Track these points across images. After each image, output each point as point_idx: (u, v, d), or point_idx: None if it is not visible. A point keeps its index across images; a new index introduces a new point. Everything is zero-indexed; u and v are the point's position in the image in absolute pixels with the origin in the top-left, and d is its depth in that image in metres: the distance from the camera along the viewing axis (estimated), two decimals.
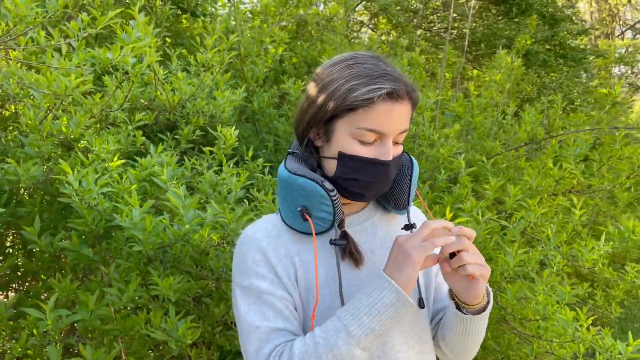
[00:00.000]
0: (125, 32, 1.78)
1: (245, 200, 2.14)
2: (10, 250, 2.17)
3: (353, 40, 5.79)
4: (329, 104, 1.08)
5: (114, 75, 2.07)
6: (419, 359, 1.19)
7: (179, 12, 4.07)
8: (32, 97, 1.60)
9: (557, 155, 3.27)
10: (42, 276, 1.88)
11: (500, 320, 2.32)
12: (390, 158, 1.08)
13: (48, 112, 1.80)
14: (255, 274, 1.12)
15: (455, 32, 6.91)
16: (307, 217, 1.10)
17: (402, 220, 1.28)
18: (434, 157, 2.86)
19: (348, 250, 1.15)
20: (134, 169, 1.98)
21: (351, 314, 1.03)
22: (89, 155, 1.83)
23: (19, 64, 1.58)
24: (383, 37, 6.82)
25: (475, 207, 2.33)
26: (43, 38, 1.59)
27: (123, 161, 1.92)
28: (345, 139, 1.08)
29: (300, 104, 1.17)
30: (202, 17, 3.96)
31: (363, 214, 1.24)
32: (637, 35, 19.75)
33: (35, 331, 1.68)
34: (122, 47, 1.67)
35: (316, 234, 1.11)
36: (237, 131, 2.17)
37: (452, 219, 2.04)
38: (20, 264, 2.05)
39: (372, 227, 1.23)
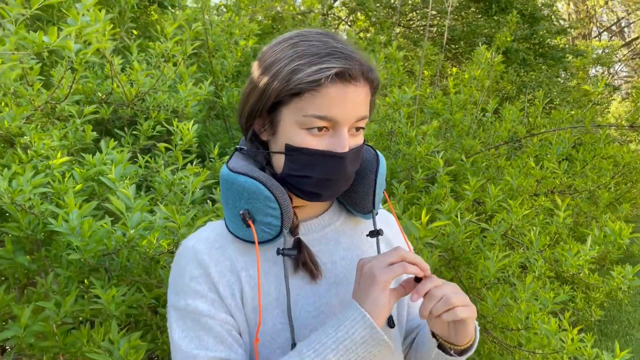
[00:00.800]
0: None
1: (208, 201, 1.97)
2: None
3: None
4: (271, 88, 0.90)
5: (59, 64, 1.88)
6: None
7: (147, 3, 3.88)
8: None
9: (538, 154, 3.16)
10: None
11: (481, 329, 2.19)
12: (346, 149, 0.91)
13: None
14: (193, 292, 0.94)
15: (434, 29, 6.80)
16: (250, 222, 0.93)
17: (369, 225, 1.13)
18: (410, 155, 2.72)
19: (301, 261, 0.98)
20: (82, 167, 1.79)
21: (314, 349, 0.86)
22: (28, 151, 1.63)
23: None
24: (361, 34, 6.68)
25: (454, 208, 2.19)
26: None
27: (67, 159, 1.73)
28: (292, 130, 0.91)
29: (243, 91, 1.00)
30: (170, 9, 3.76)
31: (323, 218, 1.07)
32: (613, 37, 20.01)
33: None
34: (60, 30, 1.48)
35: (262, 242, 0.94)
36: (197, 126, 1.99)
37: (429, 222, 1.90)
38: None
39: (334, 234, 1.06)
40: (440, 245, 2.08)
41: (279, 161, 0.95)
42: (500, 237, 2.16)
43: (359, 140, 0.96)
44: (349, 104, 0.89)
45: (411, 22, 7.31)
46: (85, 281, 1.59)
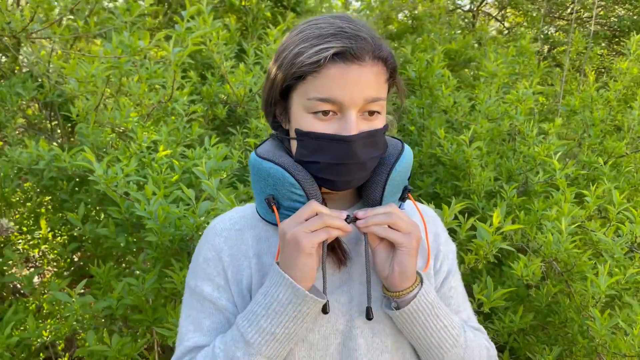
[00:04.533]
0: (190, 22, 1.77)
1: None
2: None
3: (470, 32, 5.37)
4: (279, 74, 0.92)
5: (172, 70, 2.08)
6: None
7: (282, 10, 4.08)
8: (70, 85, 1.64)
9: None
10: (91, 265, 1.93)
11: (592, 352, 1.92)
12: (353, 132, 0.87)
13: (102, 101, 1.85)
14: (203, 274, 1.00)
15: (600, 19, 6.11)
16: (274, 207, 0.94)
17: None
18: (530, 156, 2.48)
19: (330, 246, 0.97)
20: (184, 160, 1.96)
21: (247, 319, 0.88)
22: (132, 144, 1.84)
23: (54, 53, 1.63)
24: (513, 30, 6.27)
25: (570, 215, 1.95)
26: (80, 26, 1.62)
27: (168, 152, 1.91)
28: (301, 115, 0.91)
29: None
30: (304, 14, 3.92)
31: (356, 211, 1.04)
32: None
33: (72, 316, 1.72)
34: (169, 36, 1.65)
35: None
36: None
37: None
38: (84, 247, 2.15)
39: (357, 230, 1.03)
40: (541, 254, 1.87)
41: (294, 147, 0.95)
42: (619, 249, 1.87)
43: (374, 124, 0.92)
44: (352, 84, 0.86)
45: (571, 14, 6.65)
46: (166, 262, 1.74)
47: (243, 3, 3.60)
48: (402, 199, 1.01)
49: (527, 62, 3.05)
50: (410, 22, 5.26)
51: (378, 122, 0.93)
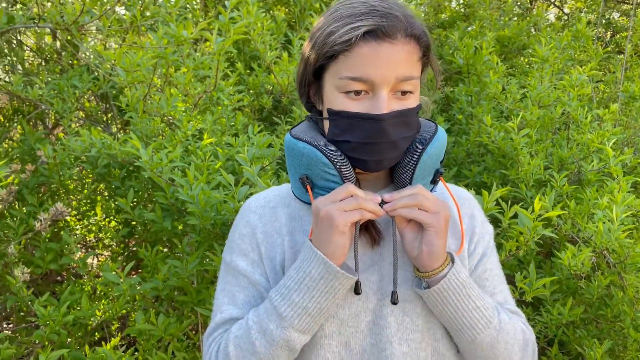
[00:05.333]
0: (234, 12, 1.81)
1: None
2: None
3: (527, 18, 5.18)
4: (311, 54, 0.94)
5: (216, 61, 2.13)
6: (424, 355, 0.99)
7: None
8: (118, 75, 1.71)
9: None
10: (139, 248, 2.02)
11: None
12: (384, 111, 0.88)
13: (151, 91, 1.93)
14: (238, 250, 1.04)
15: None
16: (308, 187, 0.96)
17: None
18: (583, 144, 2.38)
19: (364, 225, 0.98)
20: (227, 147, 2.01)
21: (280, 293, 0.90)
22: (178, 132, 1.90)
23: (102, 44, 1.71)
24: (572, 16, 5.99)
25: (624, 204, 1.86)
26: (128, 18, 1.69)
27: (212, 139, 1.96)
28: (333, 94, 0.92)
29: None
30: None
31: (382, 194, 1.04)
32: None
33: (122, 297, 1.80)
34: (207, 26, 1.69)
35: None
36: None
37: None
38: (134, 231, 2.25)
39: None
40: (592, 244, 1.80)
41: (326, 127, 0.97)
42: None
43: (406, 104, 0.92)
44: (384, 63, 0.86)
45: None
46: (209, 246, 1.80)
47: None
48: (434, 181, 1.01)
49: (584, 47, 2.92)
50: (462, 9, 5.14)
51: (411, 102, 0.92)
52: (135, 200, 2.50)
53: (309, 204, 0.99)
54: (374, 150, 0.91)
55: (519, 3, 5.60)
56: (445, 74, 3.25)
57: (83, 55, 1.71)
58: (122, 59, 1.58)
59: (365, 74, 0.87)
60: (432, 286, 0.93)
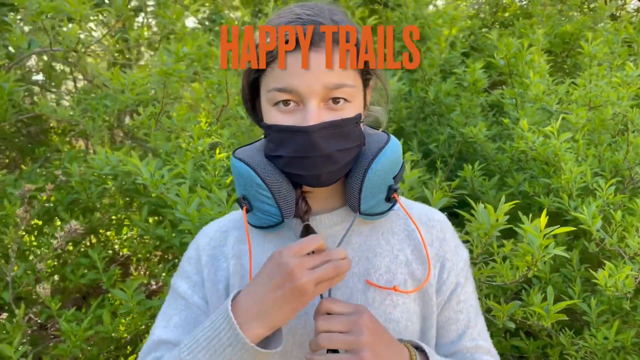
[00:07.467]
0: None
1: None
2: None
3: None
4: (248, 67, 0.89)
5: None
6: None
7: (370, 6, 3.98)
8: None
9: None
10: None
11: None
12: (311, 123, 0.81)
13: (163, 108, 1.94)
14: (183, 272, 1.01)
15: None
16: (244, 209, 0.90)
17: (394, 226, 0.98)
18: (639, 147, 2.13)
19: None
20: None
21: (189, 346, 0.81)
22: (188, 148, 1.90)
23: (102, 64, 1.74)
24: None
25: None
26: (133, 37, 1.71)
27: (225, 154, 1.94)
28: (266, 107, 0.87)
29: None
30: (394, 9, 3.79)
31: (336, 215, 0.97)
32: None
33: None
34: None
35: (266, 227, 0.91)
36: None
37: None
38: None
39: (344, 233, 0.93)
40: (638, 260, 1.58)
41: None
42: None
43: (341, 114, 0.84)
44: (309, 72, 0.81)
45: None
46: None
47: None
48: (388, 199, 0.91)
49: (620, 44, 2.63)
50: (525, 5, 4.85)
51: (347, 112, 0.85)
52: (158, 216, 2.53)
53: (255, 226, 0.94)
54: (308, 164, 0.84)
55: None
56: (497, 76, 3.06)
57: (91, 75, 1.77)
58: (119, 78, 1.59)
59: (290, 85, 0.81)
60: None
